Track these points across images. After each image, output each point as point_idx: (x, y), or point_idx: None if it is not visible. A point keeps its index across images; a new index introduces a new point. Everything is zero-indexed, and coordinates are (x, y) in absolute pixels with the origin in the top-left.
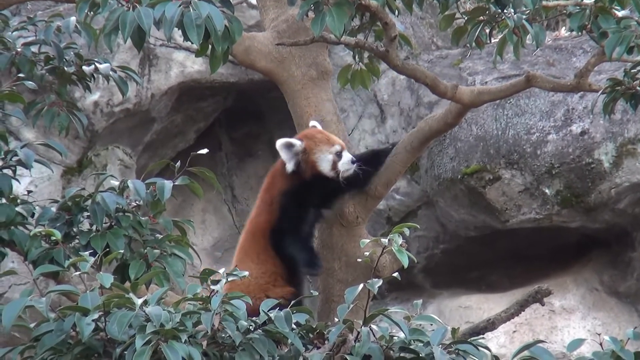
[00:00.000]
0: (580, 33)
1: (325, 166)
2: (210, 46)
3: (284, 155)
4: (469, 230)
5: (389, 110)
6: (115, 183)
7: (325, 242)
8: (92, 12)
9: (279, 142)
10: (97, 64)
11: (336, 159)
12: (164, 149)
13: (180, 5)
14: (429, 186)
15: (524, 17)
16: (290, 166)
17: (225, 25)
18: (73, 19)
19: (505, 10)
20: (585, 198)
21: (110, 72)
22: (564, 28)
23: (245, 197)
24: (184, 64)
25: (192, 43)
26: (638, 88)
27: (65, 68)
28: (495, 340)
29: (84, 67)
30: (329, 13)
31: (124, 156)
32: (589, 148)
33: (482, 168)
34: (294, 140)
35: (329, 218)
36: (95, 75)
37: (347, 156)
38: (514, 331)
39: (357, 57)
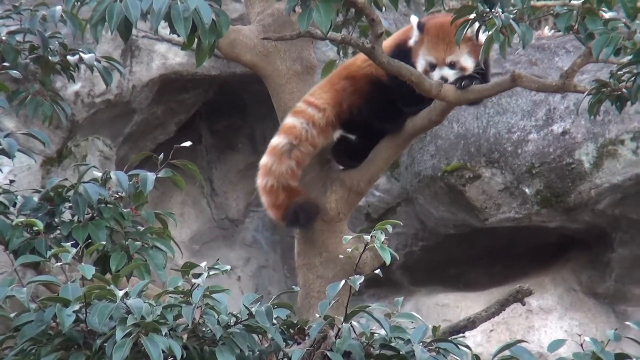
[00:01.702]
0: (566, 33)
1: (418, 67)
2: (196, 39)
3: (414, 30)
4: (448, 228)
5: None
6: (98, 174)
7: (307, 237)
8: (79, 3)
9: (415, 19)
10: (82, 54)
11: (428, 68)
12: (144, 141)
13: None
14: (409, 183)
15: (512, 16)
16: (411, 42)
17: (213, 19)
18: (59, 8)
19: (492, 10)
20: (565, 198)
21: (95, 63)
22: (547, 27)
23: (224, 191)
24: (166, 56)
25: (178, 36)
26: (624, 90)
27: (50, 57)
28: (472, 339)
29: (69, 57)
30: (315, 8)
31: (104, 147)
32: (570, 148)
33: (463, 166)
34: (419, 26)
35: None
36: (78, 65)
37: (438, 74)
38: (491, 330)
39: (341, 52)
